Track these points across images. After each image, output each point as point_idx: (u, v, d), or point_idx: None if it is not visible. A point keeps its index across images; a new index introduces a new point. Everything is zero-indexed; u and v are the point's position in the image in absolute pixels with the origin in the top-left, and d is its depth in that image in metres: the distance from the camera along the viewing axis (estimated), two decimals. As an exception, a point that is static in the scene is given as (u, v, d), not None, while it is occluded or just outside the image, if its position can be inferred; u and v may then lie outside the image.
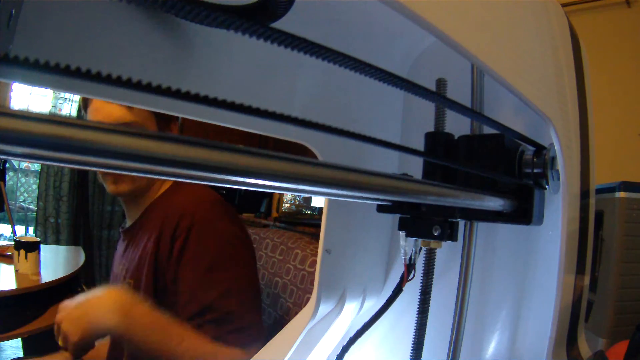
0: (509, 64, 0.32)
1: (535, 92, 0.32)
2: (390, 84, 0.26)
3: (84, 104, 0.86)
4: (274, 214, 2.29)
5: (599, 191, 1.15)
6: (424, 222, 0.42)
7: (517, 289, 0.48)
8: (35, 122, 0.14)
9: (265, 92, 0.44)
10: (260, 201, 2.54)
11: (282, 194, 2.16)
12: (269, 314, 1.03)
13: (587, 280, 0.47)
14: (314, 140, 0.49)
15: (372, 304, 0.57)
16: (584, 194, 0.45)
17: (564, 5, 1.68)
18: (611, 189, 1.12)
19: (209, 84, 0.39)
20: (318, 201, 2.36)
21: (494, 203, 0.39)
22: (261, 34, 0.20)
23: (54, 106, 2.58)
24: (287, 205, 2.25)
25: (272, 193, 2.36)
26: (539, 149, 0.43)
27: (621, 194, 1.10)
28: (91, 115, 0.83)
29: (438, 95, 0.31)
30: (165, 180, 0.89)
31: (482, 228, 0.50)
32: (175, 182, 0.90)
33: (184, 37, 0.37)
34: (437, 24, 0.24)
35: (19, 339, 1.74)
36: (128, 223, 0.95)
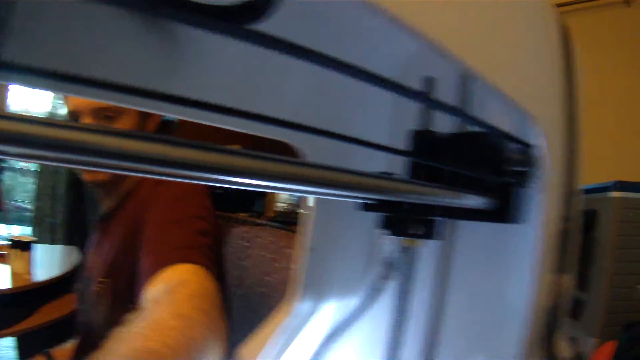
0: (490, 61, 0.31)
1: (519, 90, 0.32)
2: (374, 84, 0.26)
3: None
4: (268, 214, 2.29)
5: (593, 190, 1.14)
6: (405, 221, 0.42)
7: (500, 288, 0.47)
8: (29, 124, 0.15)
9: (254, 91, 0.44)
10: (254, 201, 2.54)
11: (277, 193, 2.17)
12: (256, 312, 1.02)
13: (570, 279, 0.47)
14: (300, 140, 0.49)
15: (353, 303, 0.57)
16: (570, 194, 0.45)
17: (562, 5, 1.68)
18: (605, 189, 1.12)
19: (198, 84, 0.39)
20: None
21: (475, 201, 0.39)
22: (239, 35, 0.20)
23: (54, 106, 2.56)
24: (281, 204, 2.24)
25: (266, 193, 2.36)
26: (525, 146, 0.42)
27: (615, 194, 1.10)
28: (70, 99, 0.78)
29: (418, 94, 0.31)
30: None
31: (466, 226, 0.49)
32: None
33: (173, 37, 0.37)
34: (417, 24, 0.23)
35: (12, 338, 1.74)
36: (102, 212, 0.89)
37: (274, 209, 2.27)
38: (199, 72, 0.39)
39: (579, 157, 0.49)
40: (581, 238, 1.18)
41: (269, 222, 2.00)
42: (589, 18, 1.69)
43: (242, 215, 2.38)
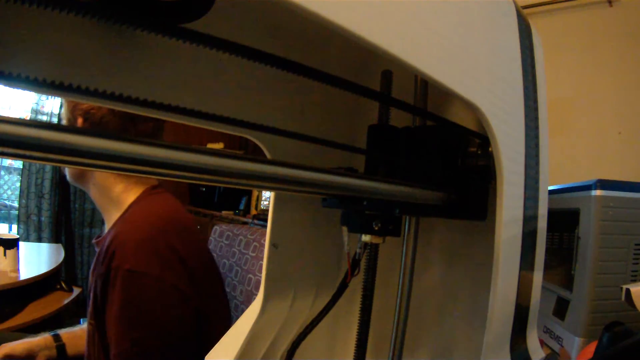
0: (421, 48, 0.29)
1: (456, 78, 0.31)
2: (328, 83, 0.26)
3: None
4: (253, 212, 2.29)
5: (575, 189, 1.14)
6: (365, 217, 0.41)
7: (472, 285, 0.47)
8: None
9: (218, 88, 0.44)
10: (239, 199, 2.54)
11: (260, 191, 2.17)
12: (242, 311, 1.02)
13: (537, 276, 0.46)
14: (260, 136, 0.48)
15: (326, 300, 0.56)
16: (531, 193, 0.44)
17: (544, 4, 1.68)
18: (587, 187, 1.11)
19: (157, 82, 0.39)
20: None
21: (432, 197, 0.38)
22: (176, 34, 0.20)
23: (37, 102, 2.57)
24: (265, 202, 2.24)
25: (250, 191, 2.36)
26: (485, 141, 0.41)
27: (597, 192, 1.09)
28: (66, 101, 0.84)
29: (373, 92, 0.30)
30: (128, 192, 0.84)
31: (433, 223, 0.49)
32: (141, 193, 0.83)
33: (135, 37, 0.36)
34: (333, 18, 0.22)
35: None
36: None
37: (260, 206, 2.26)
38: (156, 71, 0.38)
39: (544, 156, 0.48)
40: (564, 237, 1.17)
41: (253, 220, 2.00)
42: (571, 17, 1.69)
43: (226, 213, 2.38)
